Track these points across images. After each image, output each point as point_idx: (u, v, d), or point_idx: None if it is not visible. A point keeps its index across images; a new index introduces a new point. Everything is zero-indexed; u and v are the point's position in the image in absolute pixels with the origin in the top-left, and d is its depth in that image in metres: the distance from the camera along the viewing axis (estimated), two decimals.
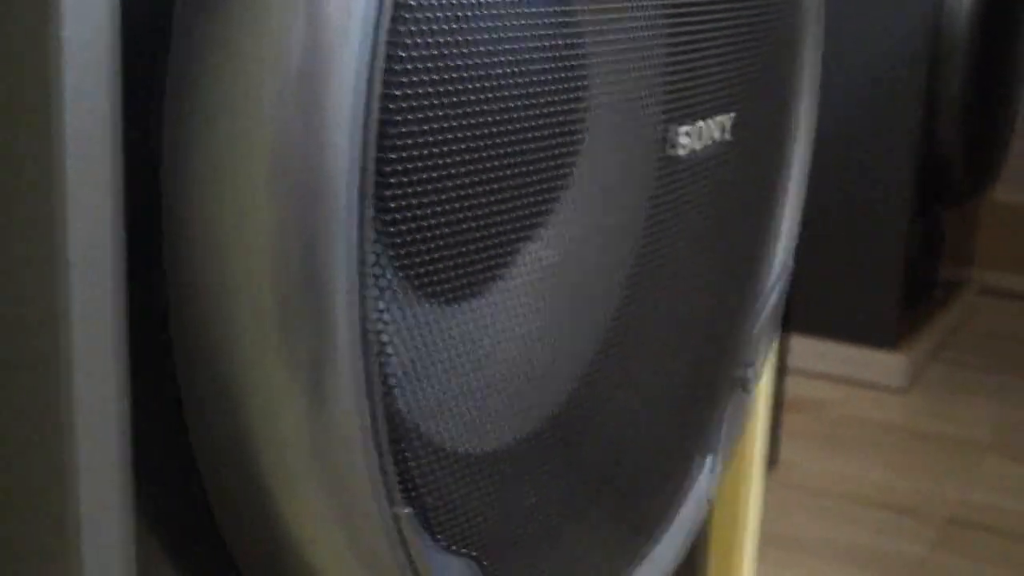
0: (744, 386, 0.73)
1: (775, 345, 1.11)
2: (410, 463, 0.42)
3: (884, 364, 1.82)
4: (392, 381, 0.41)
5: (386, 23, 0.37)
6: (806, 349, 1.85)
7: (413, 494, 0.43)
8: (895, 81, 1.76)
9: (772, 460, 1.53)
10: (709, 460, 0.71)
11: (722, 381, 0.71)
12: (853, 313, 1.84)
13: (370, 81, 0.37)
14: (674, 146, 0.55)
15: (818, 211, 1.82)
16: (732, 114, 0.59)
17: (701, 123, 0.56)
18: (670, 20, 0.54)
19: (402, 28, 0.38)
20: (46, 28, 0.34)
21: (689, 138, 0.55)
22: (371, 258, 0.39)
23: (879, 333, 1.82)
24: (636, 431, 0.61)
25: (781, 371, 1.51)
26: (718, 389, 0.70)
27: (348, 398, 0.38)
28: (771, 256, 0.74)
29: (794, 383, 1.79)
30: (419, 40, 0.39)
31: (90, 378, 0.36)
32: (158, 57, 0.38)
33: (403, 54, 0.38)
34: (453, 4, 0.40)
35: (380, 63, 0.37)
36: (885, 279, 1.82)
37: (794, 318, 1.83)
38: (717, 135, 0.58)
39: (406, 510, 0.42)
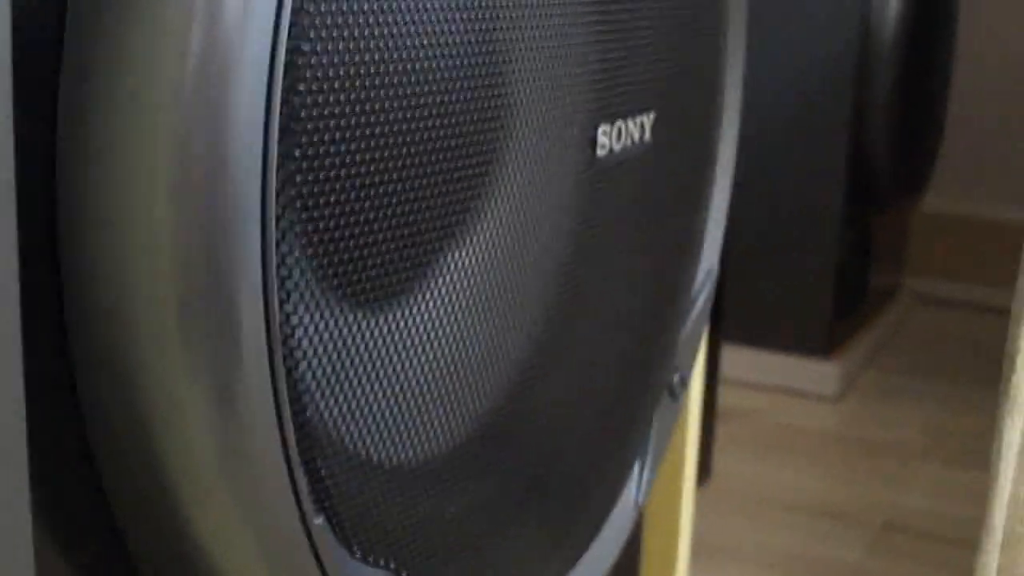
0: (672, 392, 0.72)
1: (706, 353, 1.11)
2: (322, 472, 0.41)
3: (816, 372, 1.82)
4: (302, 387, 0.40)
5: (287, 15, 0.36)
6: (738, 359, 1.85)
7: (326, 504, 0.42)
8: (822, 91, 1.77)
9: (706, 470, 1.52)
10: (638, 466, 0.70)
11: (650, 387, 0.70)
12: (784, 322, 1.84)
13: (271, 75, 0.36)
14: (594, 146, 0.54)
15: (747, 220, 1.82)
16: (652, 114, 0.58)
17: (620, 123, 0.55)
18: (592, 17, 0.53)
19: (305, 21, 0.37)
20: None
21: (607, 138, 0.54)
22: (276, 259, 0.37)
23: (811, 342, 1.83)
24: (564, 438, 0.60)
25: (713, 381, 1.51)
26: (646, 395, 0.69)
27: (254, 404, 0.37)
28: (697, 260, 0.73)
29: (727, 393, 1.79)
30: (323, 33, 0.38)
31: None
32: (52, 51, 0.37)
33: (306, 48, 0.37)
34: None
35: (281, 56, 0.36)
36: (816, 288, 1.82)
37: (726, 328, 1.83)
38: (637, 135, 0.57)
39: (318, 520, 0.41)
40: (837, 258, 1.82)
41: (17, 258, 0.35)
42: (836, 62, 1.76)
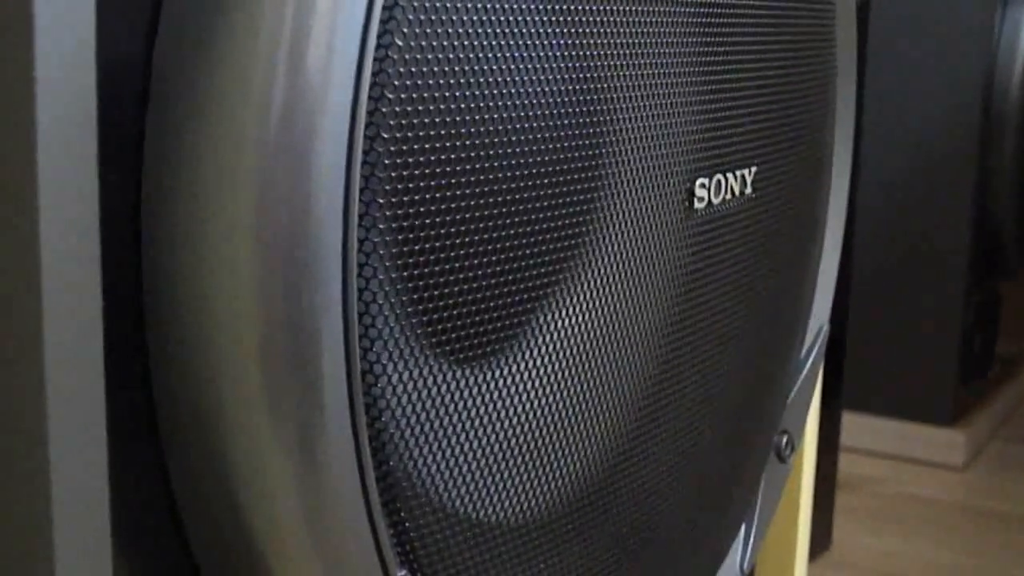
0: (780, 455, 0.71)
1: (826, 421, 1.08)
2: (407, 523, 0.40)
3: (941, 441, 1.78)
4: (385, 437, 0.39)
5: (370, 63, 0.36)
6: (860, 426, 1.81)
7: (411, 556, 0.41)
8: (947, 156, 1.74)
9: (826, 540, 1.49)
10: (743, 531, 0.68)
11: (757, 450, 0.68)
12: (910, 390, 1.80)
13: (353, 123, 0.36)
14: (692, 199, 0.53)
15: (872, 286, 1.79)
16: (754, 168, 0.57)
17: (720, 176, 0.54)
18: (697, 68, 0.53)
19: (389, 68, 0.37)
20: (19, 68, 0.33)
21: (706, 191, 0.53)
22: (359, 307, 0.37)
23: (936, 410, 1.79)
24: (664, 500, 0.59)
25: (833, 449, 1.48)
26: (753, 458, 0.68)
27: (335, 453, 0.37)
28: (806, 319, 0.71)
29: (848, 461, 1.76)
30: (408, 81, 0.38)
31: (67, 445, 0.35)
32: (136, 102, 0.37)
33: (391, 95, 0.37)
34: (445, 46, 0.39)
35: (364, 104, 0.36)
36: (941, 354, 1.78)
37: (848, 395, 1.79)
38: (738, 189, 0.56)
39: (400, 573, 0.40)
40: (963, 325, 1.78)
41: (101, 300, 0.35)
42: (960, 127, 1.73)
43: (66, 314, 0.34)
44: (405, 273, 0.39)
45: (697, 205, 0.53)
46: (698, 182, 0.53)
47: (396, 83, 0.37)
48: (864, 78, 1.65)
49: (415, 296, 0.40)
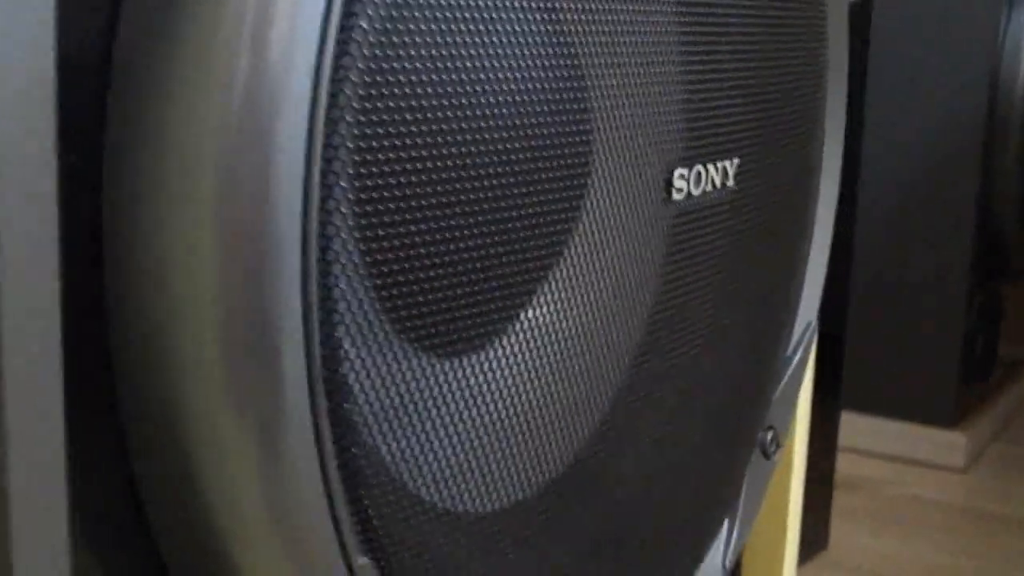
0: (765, 451, 0.70)
1: (823, 420, 1.08)
2: (370, 512, 0.40)
3: (942, 442, 1.77)
4: (350, 422, 0.39)
5: (331, 46, 0.36)
6: (860, 427, 1.81)
7: (375, 544, 0.41)
8: (950, 156, 1.73)
9: (823, 540, 1.48)
10: (726, 526, 0.68)
11: (741, 446, 0.68)
12: (910, 390, 1.80)
13: (314, 108, 0.36)
14: (669, 189, 0.53)
15: (873, 286, 1.79)
16: (736, 160, 0.57)
17: (699, 167, 0.54)
18: (682, 57, 0.52)
19: (355, 52, 0.37)
20: None
21: (685, 182, 0.53)
22: (320, 291, 0.37)
23: (937, 411, 1.78)
24: (643, 495, 0.59)
25: (831, 449, 1.47)
26: (735, 453, 0.68)
27: (295, 436, 0.37)
28: (793, 315, 0.71)
29: (848, 462, 1.75)
30: (373, 65, 0.37)
31: (25, 448, 0.34)
32: (97, 89, 0.37)
33: (355, 79, 0.37)
34: (413, 29, 0.39)
35: (325, 89, 0.36)
36: (943, 355, 1.78)
37: (848, 395, 1.79)
38: (719, 181, 0.56)
39: (362, 560, 0.40)
40: (965, 326, 1.77)
41: (59, 284, 0.35)
42: (965, 127, 1.72)
43: (24, 305, 0.34)
44: (369, 259, 0.39)
45: (676, 196, 0.53)
46: (677, 172, 0.52)
47: (360, 66, 0.37)
48: (867, 79, 1.64)
49: (380, 283, 0.39)
